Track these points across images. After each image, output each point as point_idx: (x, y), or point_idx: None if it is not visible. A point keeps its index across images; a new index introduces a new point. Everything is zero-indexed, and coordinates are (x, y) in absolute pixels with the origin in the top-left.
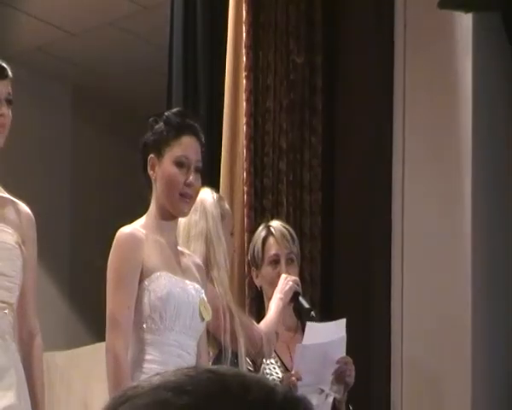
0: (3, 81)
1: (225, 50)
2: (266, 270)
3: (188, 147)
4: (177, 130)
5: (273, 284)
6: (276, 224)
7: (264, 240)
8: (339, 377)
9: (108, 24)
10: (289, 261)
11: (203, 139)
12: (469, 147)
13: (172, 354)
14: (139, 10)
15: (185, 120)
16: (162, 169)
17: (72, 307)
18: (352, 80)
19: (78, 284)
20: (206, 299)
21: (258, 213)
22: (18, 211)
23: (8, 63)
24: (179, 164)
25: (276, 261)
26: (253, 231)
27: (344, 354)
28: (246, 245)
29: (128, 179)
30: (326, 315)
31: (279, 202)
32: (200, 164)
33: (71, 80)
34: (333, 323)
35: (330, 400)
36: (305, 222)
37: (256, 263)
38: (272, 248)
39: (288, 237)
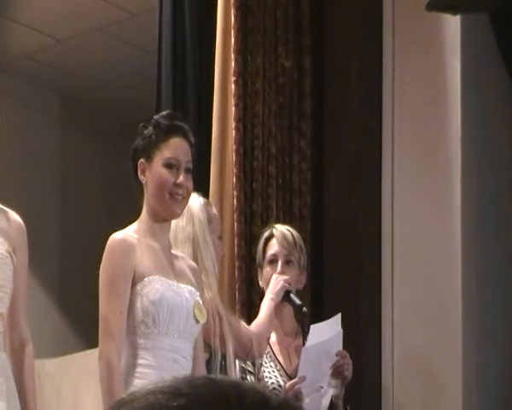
0: None
1: (214, 55)
2: (266, 270)
3: (177, 148)
4: (166, 132)
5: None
6: (280, 226)
7: (266, 241)
8: (336, 371)
9: (96, 30)
10: (287, 263)
11: (193, 140)
12: (459, 149)
13: (167, 358)
14: (127, 17)
15: (174, 122)
16: (152, 172)
17: (62, 315)
18: (340, 84)
19: (68, 291)
20: (201, 301)
21: (248, 217)
22: (8, 219)
23: None
24: (169, 166)
25: (274, 261)
26: (242, 236)
27: (341, 349)
28: (236, 250)
29: (117, 186)
30: (316, 320)
31: (269, 206)
32: (190, 165)
33: (59, 87)
34: (329, 320)
35: (329, 395)
36: (295, 226)
37: (259, 264)
38: (272, 248)
39: (290, 240)
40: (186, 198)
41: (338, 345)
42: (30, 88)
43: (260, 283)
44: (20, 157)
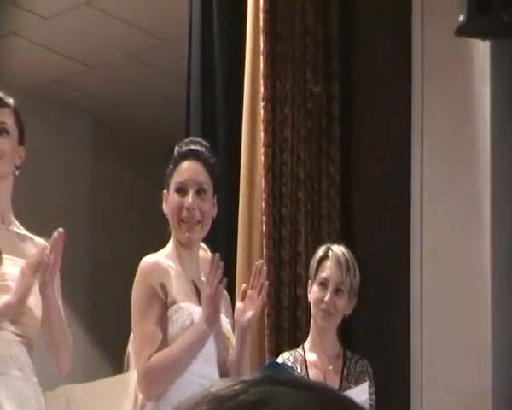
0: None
1: (243, 81)
2: (314, 289)
3: (185, 172)
4: (178, 159)
5: (317, 304)
6: (336, 248)
7: (320, 260)
8: None
9: (127, 57)
10: (337, 290)
11: (211, 160)
12: (488, 173)
13: (192, 382)
14: (157, 43)
15: (186, 148)
16: (169, 201)
17: (92, 340)
18: (368, 109)
19: (98, 316)
20: (230, 328)
21: (277, 242)
22: (37, 247)
23: (27, 97)
24: (178, 190)
25: (324, 284)
26: (271, 261)
27: None
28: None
29: (149, 213)
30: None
31: (297, 231)
32: (203, 186)
33: (90, 113)
34: (357, 388)
35: None
36: None
37: (311, 278)
38: (324, 271)
39: (343, 267)
40: (202, 221)
41: None
42: (62, 114)
43: (309, 297)
44: (51, 183)
